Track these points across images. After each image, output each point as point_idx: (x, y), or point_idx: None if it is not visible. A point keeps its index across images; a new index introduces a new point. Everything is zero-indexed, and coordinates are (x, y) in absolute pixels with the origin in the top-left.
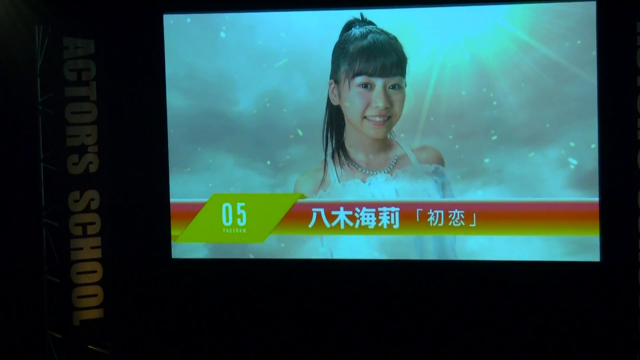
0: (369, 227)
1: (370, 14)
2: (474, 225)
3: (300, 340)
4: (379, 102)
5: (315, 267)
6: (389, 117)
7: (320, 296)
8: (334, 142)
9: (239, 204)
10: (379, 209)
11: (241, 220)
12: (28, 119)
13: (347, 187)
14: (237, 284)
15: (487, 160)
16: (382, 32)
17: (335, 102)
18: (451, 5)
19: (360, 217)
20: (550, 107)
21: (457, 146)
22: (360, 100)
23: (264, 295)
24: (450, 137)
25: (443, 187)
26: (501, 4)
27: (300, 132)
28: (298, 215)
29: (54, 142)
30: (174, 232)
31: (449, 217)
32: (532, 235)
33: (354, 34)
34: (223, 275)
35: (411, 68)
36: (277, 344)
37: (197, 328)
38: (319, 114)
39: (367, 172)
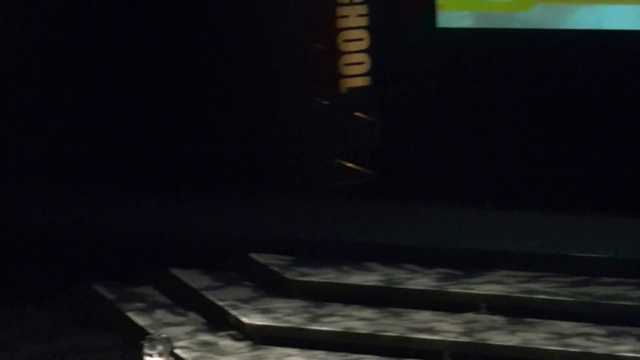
0: None
1: None
2: None
3: (561, 107)
4: None
5: (583, 37)
6: None
7: (588, 66)
8: None
9: None
10: None
11: None
12: None
13: None
14: (502, 54)
15: None
16: None
17: None
18: None
19: None
20: None
21: None
22: None
23: (530, 64)
24: None
25: None
26: None
27: None
28: None
29: None
30: (439, 0)
31: None
32: None
33: None
34: (487, 45)
35: None
36: (534, 112)
37: (452, 93)
38: None
39: None
